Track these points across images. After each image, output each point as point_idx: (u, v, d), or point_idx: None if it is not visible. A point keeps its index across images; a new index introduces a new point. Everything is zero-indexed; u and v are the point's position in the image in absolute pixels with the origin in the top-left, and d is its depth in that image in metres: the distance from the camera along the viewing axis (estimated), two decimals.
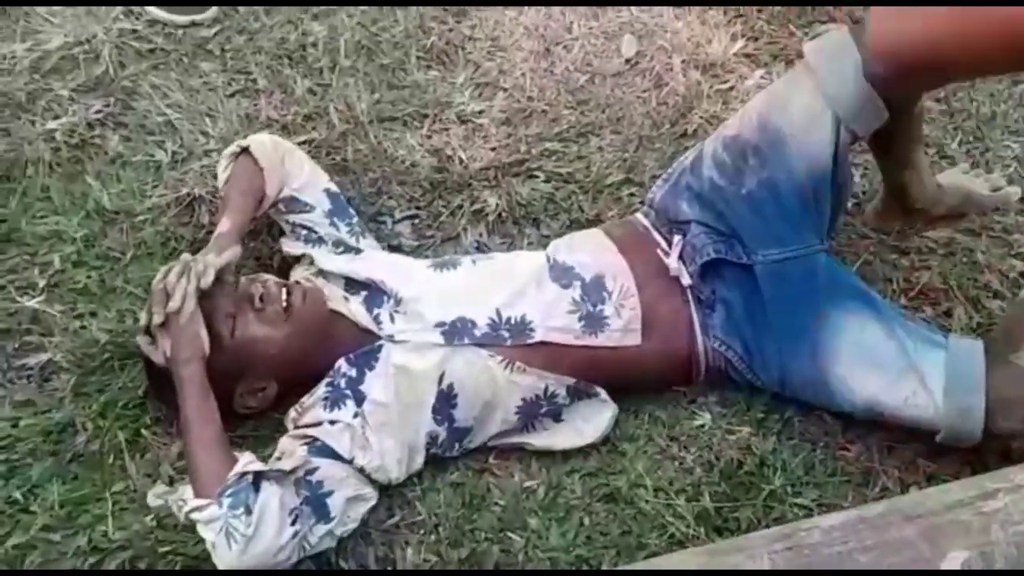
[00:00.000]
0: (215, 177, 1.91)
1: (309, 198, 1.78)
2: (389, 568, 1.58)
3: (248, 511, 1.40)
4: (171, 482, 1.64)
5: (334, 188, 1.83)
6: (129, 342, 1.75)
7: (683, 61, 2.14)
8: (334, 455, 1.54)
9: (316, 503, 1.50)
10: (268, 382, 1.62)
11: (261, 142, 1.77)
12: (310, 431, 1.57)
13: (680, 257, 1.71)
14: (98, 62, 2.10)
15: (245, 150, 1.75)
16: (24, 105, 2.04)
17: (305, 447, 1.55)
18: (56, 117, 2.02)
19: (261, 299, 1.58)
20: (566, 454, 1.69)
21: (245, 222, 1.69)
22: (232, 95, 2.08)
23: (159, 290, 1.51)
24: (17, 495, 1.60)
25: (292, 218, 1.78)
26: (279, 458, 1.55)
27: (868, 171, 2.00)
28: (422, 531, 1.62)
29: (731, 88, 2.11)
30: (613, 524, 1.64)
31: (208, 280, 1.51)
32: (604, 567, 1.59)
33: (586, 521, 1.64)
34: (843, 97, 1.57)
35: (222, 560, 1.40)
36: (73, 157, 1.98)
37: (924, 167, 1.82)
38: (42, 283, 1.82)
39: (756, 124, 1.65)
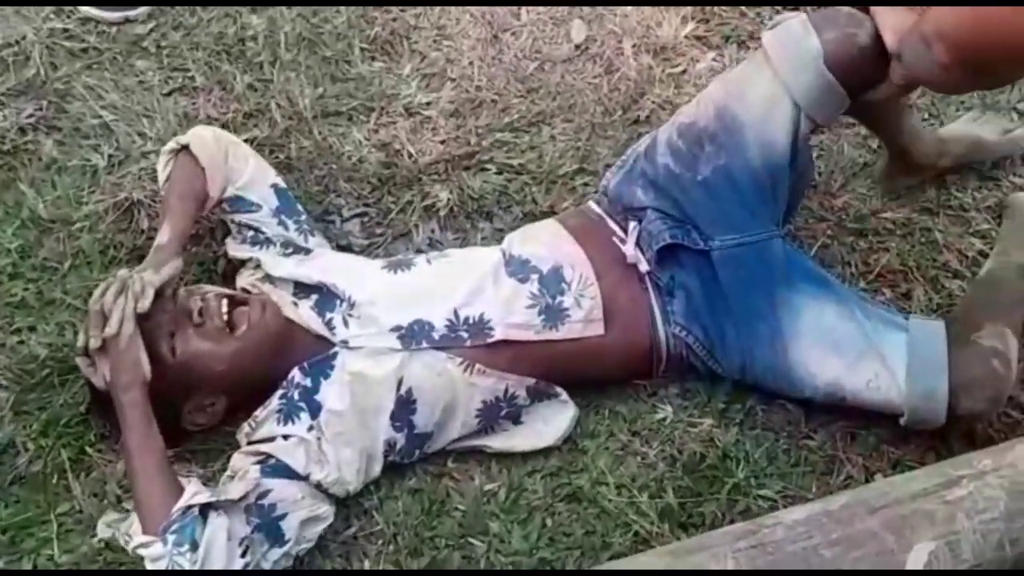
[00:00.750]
0: (154, 180, 1.85)
1: (255, 197, 1.71)
2: None
3: (194, 547, 1.35)
4: (119, 500, 1.59)
5: (281, 184, 1.76)
6: (70, 356, 1.68)
7: (634, 45, 2.09)
8: (288, 473, 1.49)
9: (269, 528, 1.46)
10: (216, 398, 1.56)
11: (201, 138, 1.69)
12: (263, 447, 1.51)
13: (637, 244, 1.68)
14: (28, 64, 2.02)
15: (185, 147, 1.67)
16: None
17: (258, 466, 1.49)
18: None
19: (200, 314, 1.52)
20: (526, 454, 1.66)
21: (186, 230, 1.62)
22: (169, 94, 2.01)
23: (96, 312, 1.44)
24: None
25: (238, 218, 1.71)
26: (231, 476, 1.50)
27: (823, 153, 1.97)
28: (380, 541, 1.58)
29: (683, 72, 2.06)
30: (576, 524, 1.61)
31: (146, 303, 1.44)
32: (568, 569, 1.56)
33: (549, 522, 1.61)
34: (802, 86, 1.55)
35: None
36: (5, 164, 1.90)
37: (918, 128, 1.84)
38: None
39: (713, 112, 1.62)
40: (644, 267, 1.66)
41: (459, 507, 1.62)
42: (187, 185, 1.65)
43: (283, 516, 1.47)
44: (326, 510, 1.53)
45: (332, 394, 1.54)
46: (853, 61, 1.52)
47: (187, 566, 1.34)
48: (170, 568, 1.34)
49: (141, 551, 1.37)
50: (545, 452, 1.66)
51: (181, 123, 1.94)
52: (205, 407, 1.56)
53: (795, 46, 1.55)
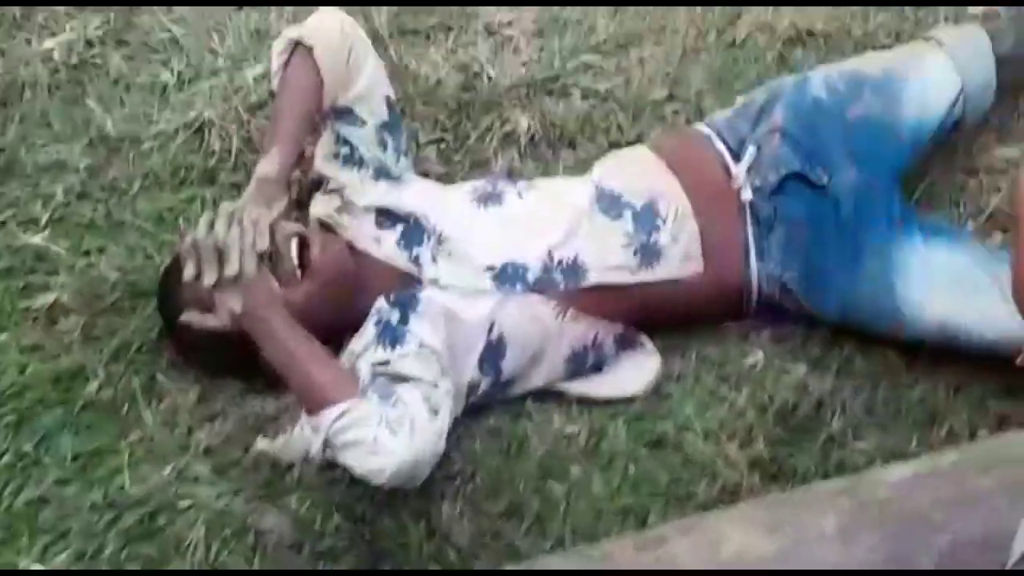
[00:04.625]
0: (224, 100, 1.79)
1: (364, 111, 1.57)
2: (424, 522, 1.49)
3: (400, 400, 1.31)
4: (190, 432, 1.55)
5: (393, 95, 1.64)
6: (141, 280, 1.64)
7: None
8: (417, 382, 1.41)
9: (433, 406, 1.36)
10: None
11: (329, 39, 1.52)
12: (381, 369, 1.41)
13: (748, 170, 1.59)
14: None
15: (308, 47, 1.51)
16: (18, 22, 1.89)
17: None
18: (53, 35, 1.87)
19: (270, 258, 1.42)
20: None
21: (295, 159, 1.52)
22: (240, 8, 1.91)
23: (208, 246, 1.35)
24: (27, 447, 1.51)
25: (339, 127, 1.58)
26: None
27: None
28: (458, 480, 1.52)
29: None
30: (660, 472, 1.55)
31: (265, 242, 1.37)
32: (651, 517, 1.50)
33: (631, 469, 1.55)
34: (973, 70, 1.65)
35: (391, 455, 1.25)
36: (73, 79, 1.83)
37: None
38: (45, 217, 1.70)
39: (881, 68, 1.66)
40: (748, 195, 1.57)
41: (538, 449, 1.56)
42: (304, 102, 1.52)
43: (437, 408, 1.36)
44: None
45: (426, 329, 1.45)
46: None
47: (402, 413, 1.28)
48: (382, 422, 1.27)
49: (342, 421, 1.27)
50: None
51: (252, 40, 1.86)
52: None
53: (969, 39, 1.68)
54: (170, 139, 1.76)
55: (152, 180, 1.74)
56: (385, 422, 1.27)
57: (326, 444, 1.29)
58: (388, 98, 1.62)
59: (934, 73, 1.64)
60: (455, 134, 1.81)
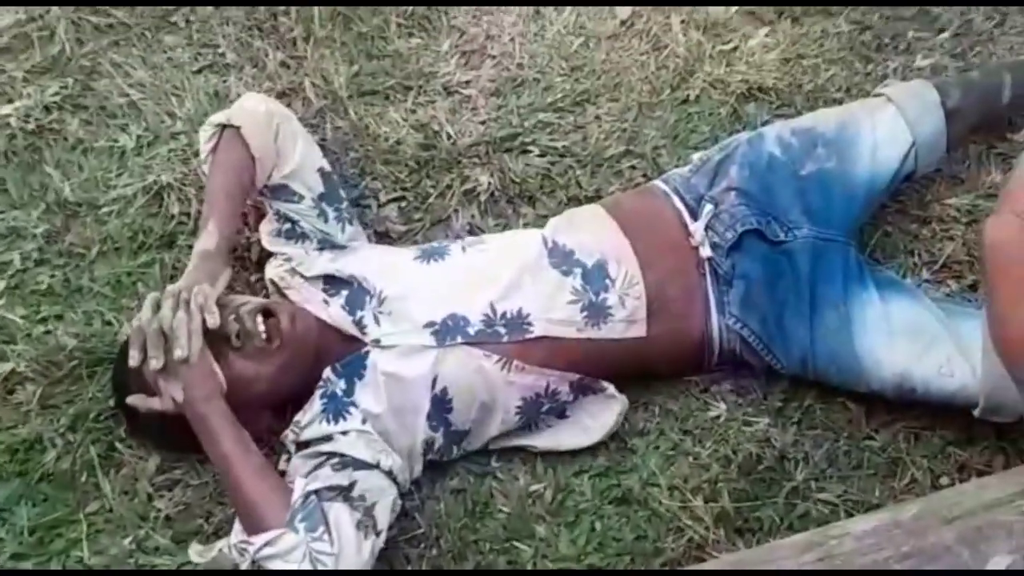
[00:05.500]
0: (185, 163, 1.79)
1: (299, 186, 1.59)
2: None
3: (327, 530, 1.32)
4: (150, 499, 1.53)
5: (327, 167, 1.65)
6: (99, 347, 1.63)
7: (682, 21, 1.99)
8: (359, 465, 1.43)
9: (368, 515, 1.40)
10: (260, 413, 1.48)
11: (254, 117, 1.55)
12: (324, 447, 1.44)
13: (706, 227, 1.60)
14: (53, 40, 1.93)
15: (235, 127, 1.53)
16: None
17: (327, 464, 1.43)
18: (10, 101, 1.86)
19: (239, 336, 1.42)
20: (573, 453, 1.60)
21: (233, 233, 1.53)
22: (199, 71, 1.92)
23: (155, 331, 1.34)
24: None
25: (277, 206, 1.60)
26: (291, 482, 1.42)
27: None
28: (423, 544, 1.52)
29: (735, 48, 1.96)
30: (626, 528, 1.55)
31: (216, 319, 1.36)
32: None
33: (597, 526, 1.55)
34: (923, 125, 1.66)
35: None
36: (30, 145, 1.83)
37: None
38: (1, 285, 1.68)
39: (834, 123, 1.68)
40: (707, 252, 1.58)
41: (503, 509, 1.55)
42: (236, 179, 1.53)
43: (374, 505, 1.41)
44: (398, 499, 1.47)
45: (368, 396, 1.48)
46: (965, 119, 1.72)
47: (327, 549, 1.31)
48: (307, 557, 1.30)
49: (268, 550, 1.30)
50: (592, 451, 1.60)
51: (211, 102, 1.86)
52: (249, 424, 1.45)
53: (918, 95, 1.70)
54: (129, 203, 1.76)
55: (110, 245, 1.73)
56: (310, 557, 1.30)
57: (254, 563, 1.31)
58: (322, 170, 1.63)
59: (885, 128, 1.66)
60: (416, 192, 1.82)
